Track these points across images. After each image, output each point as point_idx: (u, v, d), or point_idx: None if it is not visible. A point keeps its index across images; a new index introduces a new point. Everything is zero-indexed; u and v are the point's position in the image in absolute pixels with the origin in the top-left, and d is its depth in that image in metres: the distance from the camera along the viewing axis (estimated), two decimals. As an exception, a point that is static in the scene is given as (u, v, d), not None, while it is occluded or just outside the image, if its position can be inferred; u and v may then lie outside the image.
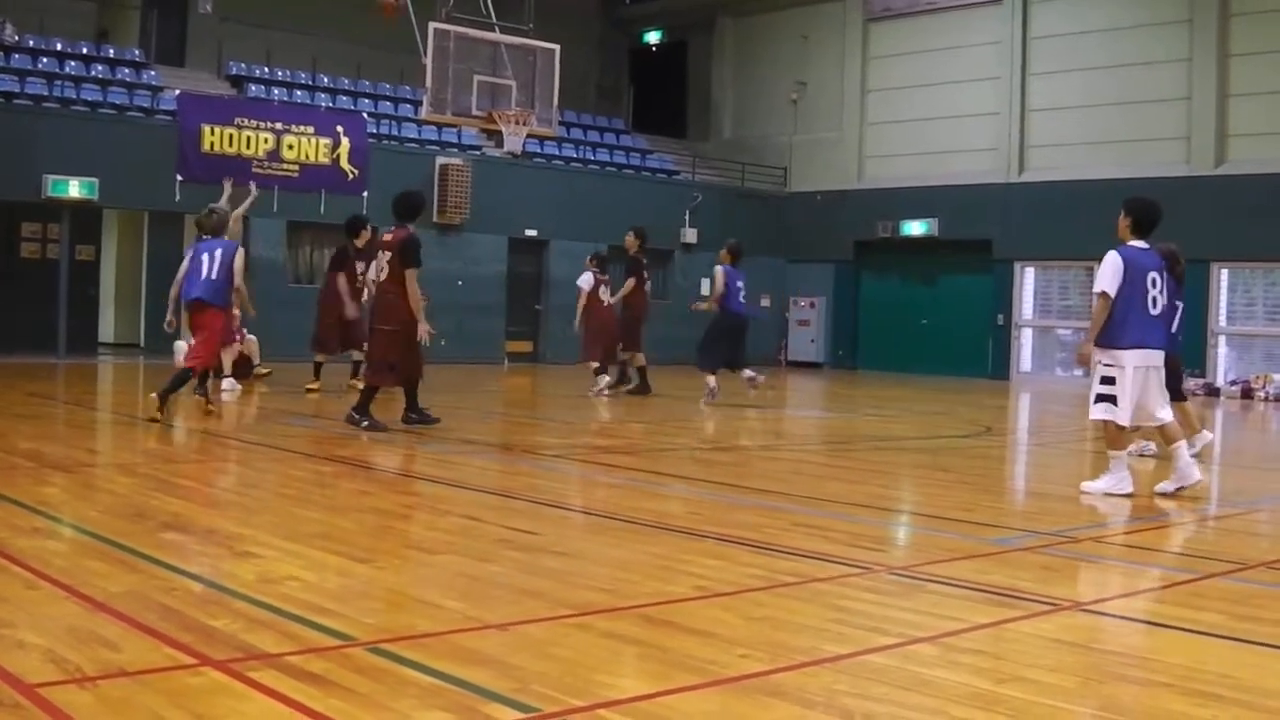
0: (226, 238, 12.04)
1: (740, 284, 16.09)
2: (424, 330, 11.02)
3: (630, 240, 17.08)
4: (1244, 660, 4.43)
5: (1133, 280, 8.30)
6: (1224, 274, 23.77)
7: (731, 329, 16.08)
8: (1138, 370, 8.33)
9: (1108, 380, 8.38)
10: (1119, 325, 8.30)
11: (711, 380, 15.85)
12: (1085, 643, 4.56)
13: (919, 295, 28.12)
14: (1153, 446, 10.57)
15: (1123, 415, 8.33)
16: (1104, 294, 8.31)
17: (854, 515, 7.49)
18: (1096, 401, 8.46)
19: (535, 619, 4.58)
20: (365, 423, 11.03)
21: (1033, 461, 12.56)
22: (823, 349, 29.44)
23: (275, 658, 3.90)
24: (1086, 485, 8.67)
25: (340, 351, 15.63)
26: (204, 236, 12.16)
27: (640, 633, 4.44)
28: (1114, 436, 8.44)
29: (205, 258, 11.58)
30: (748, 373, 16.29)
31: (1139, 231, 8.54)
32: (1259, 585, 5.85)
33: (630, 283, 16.76)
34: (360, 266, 14.51)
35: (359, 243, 15.11)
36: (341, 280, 15.16)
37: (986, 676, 4.05)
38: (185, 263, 12.03)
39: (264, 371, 16.73)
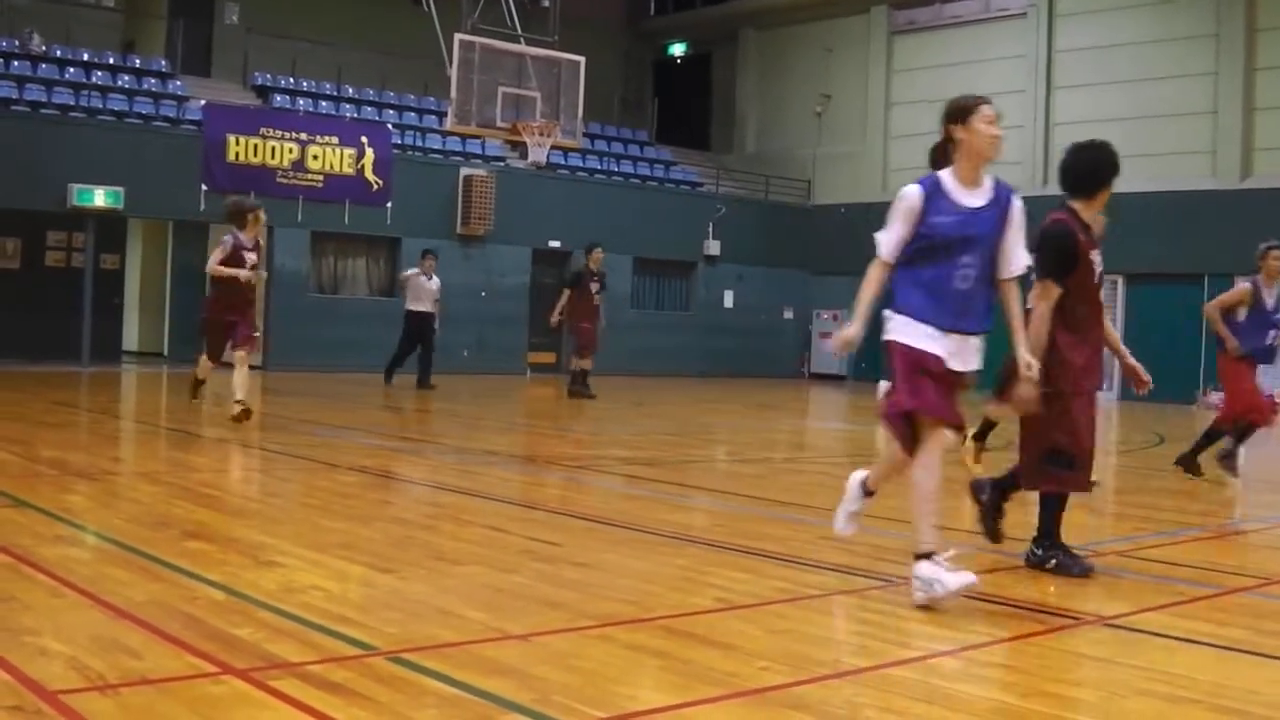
0: None
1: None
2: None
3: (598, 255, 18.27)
4: (1269, 676, 4.40)
5: None
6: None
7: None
8: None
9: None
10: None
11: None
12: (1109, 657, 4.53)
13: (942, 308, 28.00)
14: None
15: None
16: None
17: (877, 528, 7.45)
18: None
19: (557, 630, 4.58)
20: (1053, 558, 6.26)
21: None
22: (846, 361, 29.35)
23: (297, 667, 3.91)
24: None
25: None
26: None
27: (662, 644, 4.43)
28: None
29: None
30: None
31: None
32: (1285, 601, 5.81)
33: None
34: None
35: None
36: None
37: (1010, 691, 4.03)
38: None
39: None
